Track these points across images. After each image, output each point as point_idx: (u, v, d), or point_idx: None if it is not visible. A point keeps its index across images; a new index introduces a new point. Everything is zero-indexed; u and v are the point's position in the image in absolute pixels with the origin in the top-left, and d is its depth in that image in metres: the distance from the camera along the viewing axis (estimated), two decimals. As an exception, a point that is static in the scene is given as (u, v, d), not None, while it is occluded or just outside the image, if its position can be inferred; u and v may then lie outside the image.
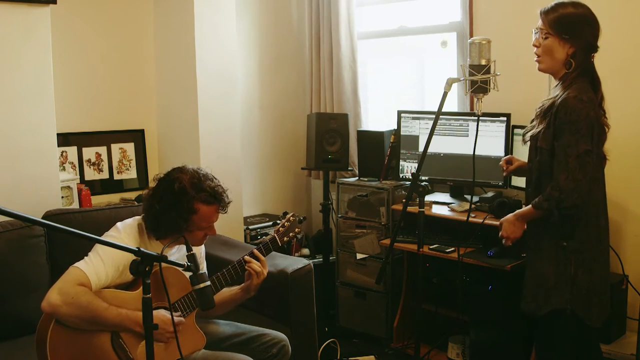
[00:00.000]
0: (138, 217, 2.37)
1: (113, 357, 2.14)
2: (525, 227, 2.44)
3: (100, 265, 2.15)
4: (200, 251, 2.55)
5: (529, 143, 2.42)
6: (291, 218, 2.52)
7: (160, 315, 2.15)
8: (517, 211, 2.47)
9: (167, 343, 2.20)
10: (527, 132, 2.44)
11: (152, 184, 2.38)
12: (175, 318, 2.15)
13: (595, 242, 2.32)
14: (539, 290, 2.37)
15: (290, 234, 2.49)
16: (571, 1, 2.31)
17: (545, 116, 2.31)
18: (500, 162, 2.72)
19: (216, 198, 2.27)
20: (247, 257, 2.38)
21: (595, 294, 2.32)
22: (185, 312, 2.28)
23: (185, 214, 2.23)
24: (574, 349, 2.39)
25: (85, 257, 2.18)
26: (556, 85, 2.36)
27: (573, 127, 2.20)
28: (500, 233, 2.50)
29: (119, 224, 2.33)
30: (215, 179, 2.33)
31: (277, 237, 2.46)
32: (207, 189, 2.25)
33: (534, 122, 2.39)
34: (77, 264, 2.15)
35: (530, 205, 2.36)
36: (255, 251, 2.40)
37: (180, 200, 2.22)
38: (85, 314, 2.06)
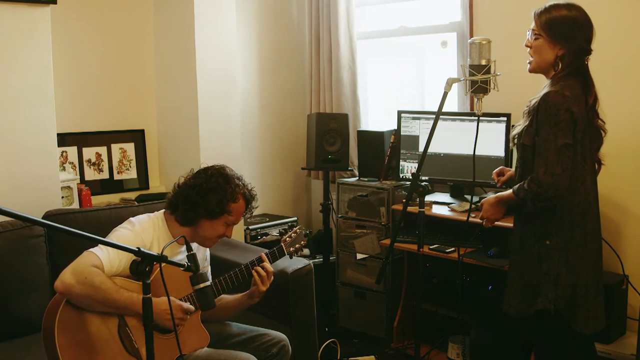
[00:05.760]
0: (153, 213, 2.43)
1: (118, 345, 2.15)
2: (504, 211, 2.45)
3: (114, 252, 2.17)
4: (205, 254, 2.58)
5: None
6: (298, 230, 2.59)
7: (172, 300, 2.16)
8: (498, 194, 2.46)
9: (179, 328, 2.21)
10: (513, 132, 2.44)
11: (183, 179, 2.44)
12: (185, 304, 2.21)
13: (581, 243, 2.29)
14: (527, 290, 2.36)
15: (297, 246, 2.56)
16: (566, 3, 2.30)
17: (530, 113, 2.31)
18: (492, 175, 2.70)
19: (252, 197, 2.45)
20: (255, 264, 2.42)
21: (581, 297, 2.28)
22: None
23: (228, 197, 2.34)
24: (565, 353, 2.37)
25: (99, 245, 2.19)
26: (545, 86, 2.35)
27: (552, 120, 2.19)
28: (480, 214, 2.51)
29: (132, 218, 2.37)
30: None
31: (284, 246, 2.51)
32: (248, 187, 2.44)
33: (520, 121, 2.39)
34: (91, 249, 2.18)
35: (510, 190, 2.36)
36: (264, 256, 2.44)
37: (229, 184, 2.36)
38: (98, 294, 2.08)
